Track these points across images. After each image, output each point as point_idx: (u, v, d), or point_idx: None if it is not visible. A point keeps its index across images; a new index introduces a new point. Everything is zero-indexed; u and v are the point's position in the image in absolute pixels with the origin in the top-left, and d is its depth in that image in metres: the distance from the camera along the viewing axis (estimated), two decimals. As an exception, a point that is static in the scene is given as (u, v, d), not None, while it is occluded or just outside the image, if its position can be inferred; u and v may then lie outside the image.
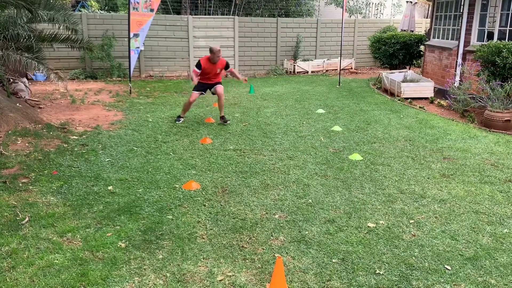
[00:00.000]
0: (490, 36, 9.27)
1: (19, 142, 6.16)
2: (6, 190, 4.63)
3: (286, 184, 5.00)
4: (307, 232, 3.89)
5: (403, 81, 10.39)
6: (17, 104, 7.59)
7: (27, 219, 4.02)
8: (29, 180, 4.96)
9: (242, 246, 3.65)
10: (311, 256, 3.52)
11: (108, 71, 12.75)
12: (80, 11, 16.06)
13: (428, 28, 13.55)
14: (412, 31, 14.38)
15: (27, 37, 7.68)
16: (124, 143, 6.44)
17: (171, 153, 6.05)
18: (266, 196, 4.67)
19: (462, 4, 9.72)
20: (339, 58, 13.23)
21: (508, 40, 8.55)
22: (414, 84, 10.31)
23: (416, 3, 14.88)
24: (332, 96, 10.46)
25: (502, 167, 5.58)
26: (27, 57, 7.14)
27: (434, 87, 10.19)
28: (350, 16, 18.61)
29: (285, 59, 15.02)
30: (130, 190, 4.76)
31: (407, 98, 9.91)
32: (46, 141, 6.33)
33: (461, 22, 9.68)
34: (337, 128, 7.45)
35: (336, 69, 14.70)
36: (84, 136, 6.75)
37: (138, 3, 10.05)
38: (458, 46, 9.79)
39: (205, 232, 3.89)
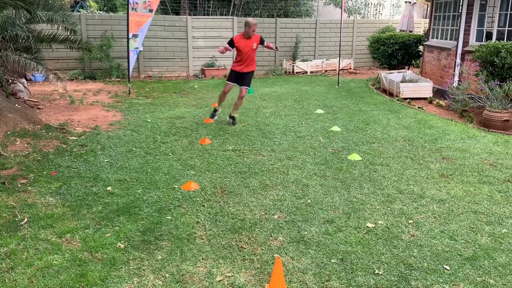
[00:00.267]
0: (489, 36, 9.28)
1: (18, 143, 6.15)
2: (5, 191, 4.63)
3: (285, 185, 5.00)
4: (306, 233, 3.89)
5: (402, 81, 10.40)
6: (16, 105, 7.58)
7: (26, 220, 4.02)
8: (28, 180, 4.96)
9: (241, 247, 3.66)
10: (310, 256, 3.52)
11: (107, 71, 12.75)
12: (79, 11, 16.06)
13: (426, 28, 13.57)
14: (411, 31, 14.39)
15: (25, 38, 7.68)
16: (123, 144, 6.44)
17: (170, 154, 6.04)
18: (265, 196, 4.67)
19: (460, 4, 9.73)
20: (338, 58, 13.24)
21: (506, 40, 8.56)
22: (413, 84, 10.32)
23: (415, 3, 14.90)
24: (331, 97, 10.47)
25: (501, 167, 5.59)
26: (26, 58, 7.14)
27: (433, 87, 10.21)
28: (349, 17, 18.63)
29: (284, 60, 15.03)
30: (129, 191, 4.75)
31: (406, 98, 9.92)
32: (45, 142, 6.33)
33: (460, 22, 9.69)
34: (336, 128, 7.45)
35: (335, 70, 14.71)
36: (83, 137, 6.74)
37: (137, 3, 10.05)
38: (456, 46, 9.80)
39: (204, 232, 3.89)
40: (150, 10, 10.38)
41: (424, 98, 10.08)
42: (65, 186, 4.84)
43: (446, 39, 10.82)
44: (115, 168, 5.45)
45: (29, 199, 4.47)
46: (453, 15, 10.47)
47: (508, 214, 4.30)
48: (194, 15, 15.21)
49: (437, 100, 9.80)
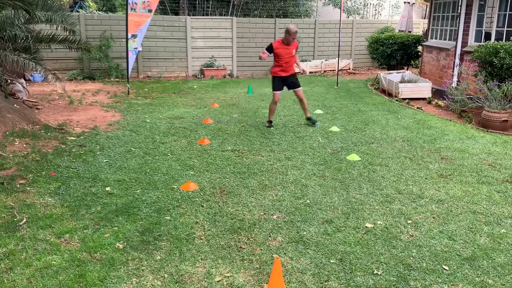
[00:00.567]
0: (488, 36, 9.29)
1: (16, 143, 6.15)
2: (4, 191, 4.62)
3: (284, 185, 5.00)
4: (305, 233, 3.89)
5: (401, 82, 10.41)
6: (15, 105, 7.58)
7: (24, 220, 4.02)
8: (27, 181, 4.95)
9: (240, 247, 3.65)
10: (309, 256, 3.52)
11: (106, 72, 12.75)
12: (78, 11, 16.04)
13: (425, 28, 13.58)
14: (410, 31, 14.40)
15: (24, 38, 7.68)
16: (122, 144, 6.44)
17: (169, 154, 6.04)
18: (264, 196, 4.67)
19: (459, 4, 9.74)
20: (337, 58, 13.24)
21: (505, 41, 8.57)
22: (412, 84, 10.33)
23: (413, 3, 14.91)
24: (330, 97, 10.47)
25: (500, 167, 5.60)
26: (25, 58, 7.13)
27: (432, 88, 10.21)
28: (348, 17, 18.63)
29: (283, 60, 15.00)
30: (128, 191, 4.75)
31: (405, 99, 9.92)
32: (44, 142, 6.32)
33: (459, 23, 9.70)
34: (335, 128, 7.45)
35: (334, 70, 14.71)
36: (82, 137, 6.74)
37: (136, 3, 10.05)
38: (455, 46, 9.80)
39: (203, 233, 3.89)
40: (149, 10, 10.38)
41: (423, 99, 10.08)
42: (64, 186, 4.83)
43: (445, 39, 10.83)
44: (114, 168, 5.44)
45: (28, 200, 4.47)
46: (452, 15, 10.48)
47: (506, 214, 4.31)
48: (193, 15, 15.21)
49: (436, 100, 9.81)
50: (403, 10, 15.18)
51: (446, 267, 3.39)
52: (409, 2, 14.30)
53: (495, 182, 5.11)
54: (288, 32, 7.08)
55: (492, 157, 6.01)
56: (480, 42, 9.25)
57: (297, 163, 5.72)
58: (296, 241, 3.76)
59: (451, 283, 3.20)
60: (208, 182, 5.04)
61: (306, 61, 15.04)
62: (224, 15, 15.75)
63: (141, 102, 9.67)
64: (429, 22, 11.87)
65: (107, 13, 17.09)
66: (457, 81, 9.54)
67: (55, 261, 3.39)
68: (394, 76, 11.07)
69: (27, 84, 10.65)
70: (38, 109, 8.56)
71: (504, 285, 3.19)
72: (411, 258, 3.51)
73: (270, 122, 7.63)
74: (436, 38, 11.34)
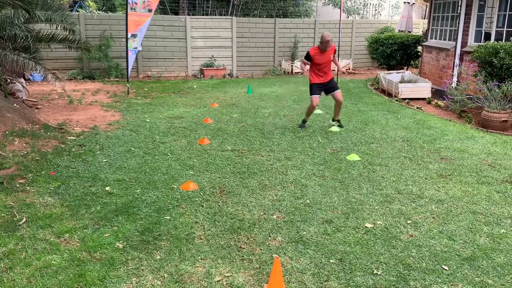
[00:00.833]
0: (487, 37, 9.30)
1: (16, 143, 6.15)
2: (3, 191, 4.62)
3: (284, 185, 5.00)
4: (304, 233, 3.89)
5: (400, 82, 10.41)
6: (15, 105, 7.57)
7: (24, 219, 4.02)
8: (27, 180, 4.95)
9: (240, 247, 3.65)
10: (309, 256, 3.52)
11: (106, 71, 12.74)
12: (77, 11, 16.04)
13: (425, 28, 13.58)
14: (410, 32, 14.41)
15: (24, 38, 7.67)
16: (121, 144, 6.44)
17: (169, 154, 6.04)
18: (264, 196, 4.67)
19: (459, 5, 9.74)
20: (337, 58, 13.23)
21: (505, 41, 8.57)
22: (411, 84, 10.33)
23: (413, 4, 14.91)
24: (330, 97, 10.45)
25: (499, 168, 5.60)
26: (25, 58, 7.12)
27: (432, 88, 10.21)
28: (348, 17, 18.64)
29: (283, 60, 15.03)
30: (127, 191, 4.75)
31: (404, 99, 9.93)
32: (44, 142, 6.32)
33: (459, 23, 9.71)
34: (334, 128, 7.46)
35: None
36: (81, 137, 6.74)
37: (136, 3, 10.04)
38: (455, 46, 9.81)
39: (203, 232, 3.89)
40: (149, 10, 10.38)
41: (423, 99, 10.09)
42: (63, 186, 4.83)
43: (444, 39, 10.83)
44: (113, 168, 5.44)
45: (28, 199, 4.47)
46: (452, 15, 10.49)
47: (506, 214, 4.31)
48: (193, 15, 15.21)
49: (435, 100, 9.81)
50: (403, 10, 15.18)
51: (446, 267, 3.39)
52: (409, 2, 14.31)
53: (495, 182, 5.11)
54: (321, 40, 7.08)
55: (491, 157, 6.01)
56: (480, 42, 9.26)
57: (297, 163, 5.72)
58: (296, 241, 3.76)
59: (451, 283, 3.21)
60: (208, 182, 5.04)
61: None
62: (224, 15, 15.75)
63: (141, 101, 9.67)
64: (429, 22, 11.87)
65: (107, 12, 17.08)
66: (456, 81, 9.54)
67: (54, 260, 3.39)
68: (394, 76, 11.07)
69: (27, 83, 10.64)
70: (38, 108, 8.56)
71: (503, 285, 3.20)
72: (411, 258, 3.51)
73: (304, 121, 7.58)
74: (436, 38, 11.35)
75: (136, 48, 10.44)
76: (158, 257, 3.48)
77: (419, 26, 16.62)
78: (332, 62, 7.34)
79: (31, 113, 7.66)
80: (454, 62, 9.80)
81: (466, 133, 7.24)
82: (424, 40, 12.20)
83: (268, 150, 6.25)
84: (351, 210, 4.36)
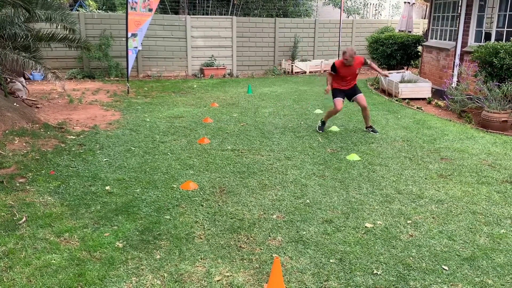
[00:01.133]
0: (488, 37, 9.30)
1: (16, 142, 6.14)
2: (3, 190, 4.62)
3: (284, 184, 5.00)
4: (304, 232, 3.89)
5: (400, 82, 10.41)
6: (14, 104, 7.57)
7: (24, 219, 4.01)
8: (26, 180, 4.95)
9: (240, 246, 3.65)
10: (309, 256, 3.52)
11: (106, 70, 12.74)
12: (77, 10, 16.03)
13: (425, 28, 13.57)
14: (410, 31, 14.40)
15: (24, 37, 7.67)
16: (121, 143, 6.44)
17: (169, 153, 6.04)
18: (264, 196, 4.67)
19: (459, 5, 9.74)
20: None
21: (505, 41, 8.57)
22: (411, 84, 10.33)
23: (414, 4, 14.91)
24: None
25: (499, 168, 5.60)
26: (25, 57, 7.13)
27: (432, 88, 10.21)
28: (348, 17, 18.64)
29: (283, 59, 15.03)
30: (127, 190, 4.75)
31: (404, 99, 9.92)
32: (44, 141, 6.32)
33: (459, 23, 9.70)
34: (334, 128, 7.45)
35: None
36: (81, 136, 6.73)
37: (136, 2, 10.04)
38: (455, 46, 9.80)
39: (203, 232, 3.89)
40: (150, 10, 10.38)
41: (423, 99, 10.09)
42: (63, 185, 4.83)
43: (445, 39, 10.83)
44: (113, 167, 5.44)
45: (28, 198, 4.47)
46: (452, 15, 10.48)
47: (506, 214, 4.31)
48: (193, 14, 15.21)
49: (436, 100, 9.81)
50: (403, 10, 15.18)
51: (446, 267, 3.39)
52: (409, 2, 14.30)
53: (495, 183, 5.11)
54: (343, 54, 6.86)
55: (491, 158, 6.01)
56: (480, 42, 9.25)
57: (297, 163, 5.72)
58: (296, 240, 3.76)
59: (451, 283, 3.21)
60: (207, 182, 5.04)
61: (306, 60, 15.04)
62: (224, 15, 15.75)
63: (141, 101, 9.67)
64: (429, 22, 11.87)
65: (107, 12, 17.07)
66: (457, 81, 9.54)
67: (54, 260, 3.39)
68: (394, 76, 11.06)
69: (27, 82, 10.65)
70: (38, 108, 8.55)
71: (503, 285, 3.20)
72: (411, 258, 3.51)
73: (323, 123, 7.27)
74: (436, 38, 11.35)
75: (136, 47, 10.43)
76: (158, 256, 3.48)
77: (419, 26, 16.62)
78: (357, 75, 7.13)
79: (31, 112, 7.66)
80: (454, 62, 9.80)
81: (466, 133, 7.24)
82: (424, 40, 12.20)
83: (268, 150, 6.25)
84: (351, 210, 4.36)
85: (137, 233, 3.84)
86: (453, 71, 9.84)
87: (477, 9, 9.46)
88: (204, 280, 3.19)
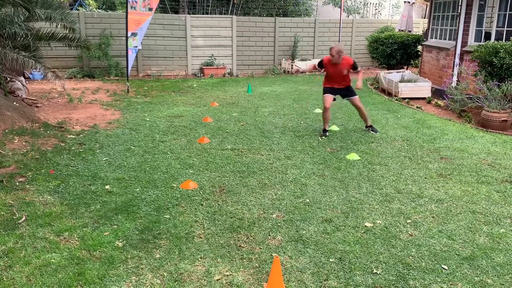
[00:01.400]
0: (488, 36, 9.29)
1: (16, 141, 6.14)
2: (3, 189, 4.62)
3: (284, 184, 5.00)
4: (304, 232, 3.89)
5: (400, 81, 10.41)
6: (14, 103, 7.57)
7: (24, 218, 4.01)
8: (26, 179, 4.95)
9: (240, 246, 3.65)
10: (309, 255, 3.52)
11: (106, 70, 12.73)
12: (77, 9, 16.02)
13: (425, 28, 13.57)
14: (410, 31, 14.40)
15: (24, 36, 7.67)
16: (121, 142, 6.43)
17: (168, 153, 6.04)
18: (264, 195, 4.67)
19: (459, 4, 9.74)
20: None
21: (505, 41, 8.57)
22: (411, 84, 10.33)
23: (414, 3, 14.90)
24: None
25: (499, 167, 5.60)
26: (24, 56, 7.13)
27: (432, 87, 10.21)
28: (348, 16, 18.63)
29: (283, 59, 15.03)
30: (127, 189, 4.75)
31: (404, 98, 9.92)
32: (43, 140, 6.32)
33: (459, 23, 9.70)
34: (334, 127, 7.45)
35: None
36: (81, 135, 6.73)
37: (136, 2, 10.04)
38: (455, 46, 9.80)
39: (203, 231, 3.89)
40: (150, 9, 10.37)
41: (423, 98, 10.09)
42: (63, 184, 4.83)
43: (445, 39, 10.83)
44: (113, 166, 5.44)
45: (27, 197, 4.47)
46: (452, 15, 10.48)
47: (506, 214, 4.31)
48: (193, 14, 15.20)
49: (435, 100, 9.81)
50: (403, 9, 15.17)
51: (445, 267, 3.40)
52: (409, 2, 14.30)
53: (495, 182, 5.11)
54: (330, 51, 6.79)
55: (491, 157, 6.01)
56: (480, 42, 9.25)
57: (297, 162, 5.72)
58: (296, 240, 3.76)
59: (450, 283, 3.21)
60: (207, 181, 5.04)
61: (306, 60, 15.03)
62: (224, 14, 15.75)
63: (141, 100, 9.66)
64: (429, 21, 11.86)
65: (107, 11, 17.07)
66: (456, 80, 9.54)
67: (54, 259, 3.39)
68: (394, 75, 11.07)
69: (27, 82, 10.64)
70: (38, 107, 8.55)
71: (503, 284, 3.20)
72: (411, 258, 3.51)
73: (324, 131, 7.04)
74: (436, 38, 11.34)
75: (136, 46, 10.43)
76: (158, 255, 3.48)
77: (419, 26, 16.62)
78: (347, 77, 6.99)
79: (30, 111, 7.66)
80: (454, 62, 9.80)
81: (466, 133, 7.24)
82: (424, 39, 12.19)
83: (268, 149, 6.25)
84: (351, 209, 4.36)
85: (137, 232, 3.84)
86: (453, 71, 9.84)
87: (477, 8, 9.46)
88: (204, 279, 3.19)
